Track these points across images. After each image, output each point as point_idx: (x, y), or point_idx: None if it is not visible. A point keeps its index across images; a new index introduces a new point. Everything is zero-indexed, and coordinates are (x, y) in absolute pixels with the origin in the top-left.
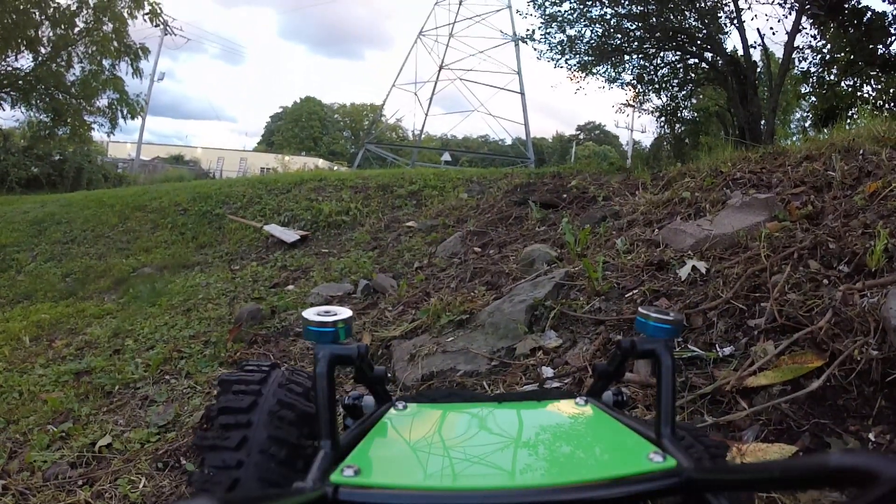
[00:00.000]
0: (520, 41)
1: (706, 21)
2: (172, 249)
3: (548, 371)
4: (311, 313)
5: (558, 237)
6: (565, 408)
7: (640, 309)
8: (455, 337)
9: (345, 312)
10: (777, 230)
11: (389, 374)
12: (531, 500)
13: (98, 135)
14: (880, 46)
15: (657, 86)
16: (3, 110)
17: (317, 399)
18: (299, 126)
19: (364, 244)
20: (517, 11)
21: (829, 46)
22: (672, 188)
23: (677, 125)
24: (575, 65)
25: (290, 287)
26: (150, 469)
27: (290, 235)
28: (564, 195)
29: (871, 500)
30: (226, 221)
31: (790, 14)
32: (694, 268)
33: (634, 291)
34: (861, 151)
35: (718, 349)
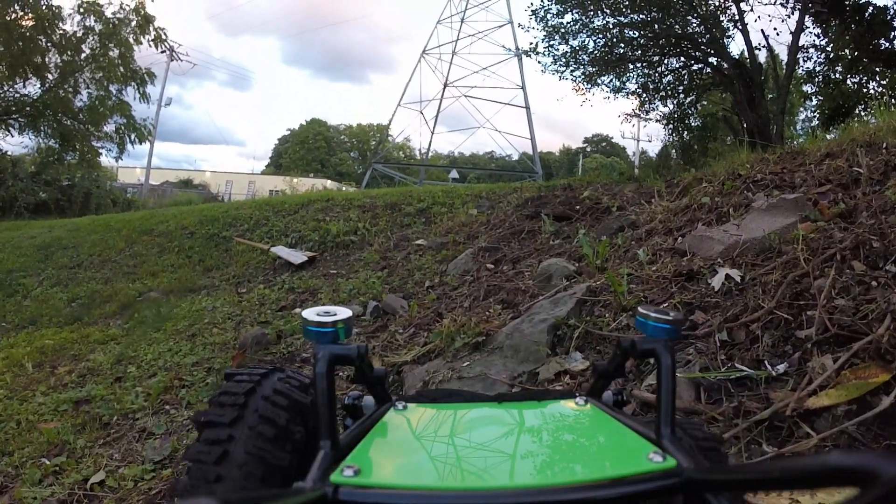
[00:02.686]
0: (523, 55)
1: (709, 25)
2: (179, 273)
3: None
4: (310, 313)
5: (574, 250)
6: (565, 408)
7: (639, 308)
8: (471, 361)
9: (344, 312)
10: (811, 231)
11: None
12: (531, 500)
13: (107, 160)
14: (884, 41)
15: (663, 93)
16: (12, 136)
17: (317, 399)
18: (306, 148)
19: (373, 264)
20: (519, 25)
21: (832, 45)
22: (690, 194)
23: (685, 132)
24: (579, 76)
25: (298, 310)
26: None
27: (297, 257)
28: (577, 207)
29: (870, 501)
30: (233, 244)
31: (793, 14)
32: (727, 276)
33: (664, 305)
34: (884, 145)
35: (769, 367)
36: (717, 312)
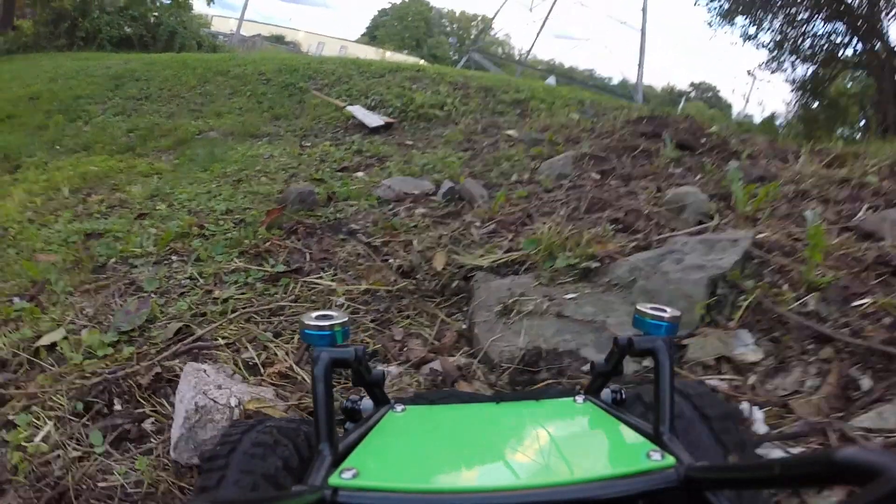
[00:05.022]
0: None
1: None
2: (245, 117)
3: (757, 414)
4: (308, 317)
5: (704, 185)
6: (564, 407)
7: (636, 306)
8: (578, 294)
9: (341, 316)
10: None
11: (465, 326)
12: (531, 499)
13: (199, 5)
14: None
15: (798, 56)
16: None
17: (315, 402)
18: (403, 24)
19: (455, 143)
20: None
21: None
22: (848, 167)
23: (815, 102)
24: (716, 8)
25: (360, 174)
26: (66, 407)
27: (373, 119)
28: (703, 140)
29: (870, 500)
30: (308, 96)
31: None
32: None
33: (865, 301)
34: None
35: None
36: None
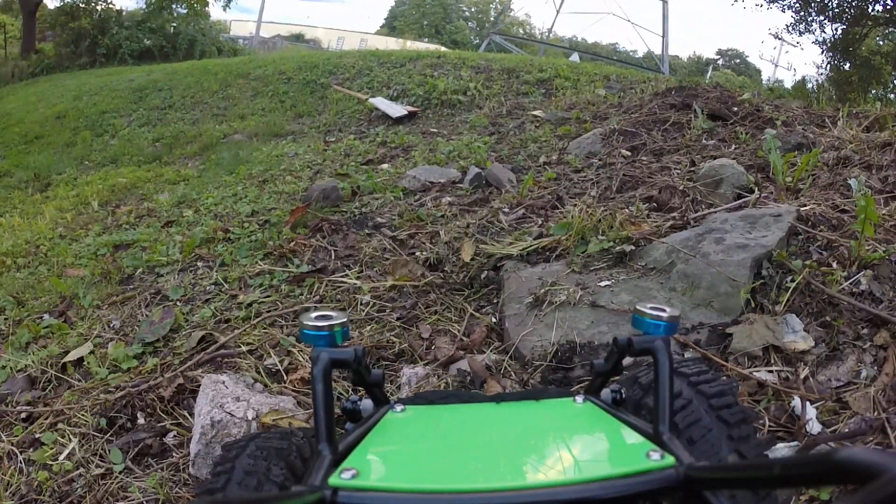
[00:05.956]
0: None
1: None
2: (268, 117)
3: (810, 412)
4: (307, 318)
5: (739, 156)
6: (564, 407)
7: (636, 306)
8: (613, 280)
9: (341, 317)
10: None
11: (495, 320)
12: (531, 499)
13: (216, 11)
14: None
15: (826, 15)
16: None
17: (315, 402)
18: (421, 12)
19: (480, 128)
20: None
21: None
22: (889, 130)
23: (847, 63)
24: None
25: (385, 166)
26: (91, 423)
27: (396, 110)
28: (735, 108)
29: (870, 500)
30: (329, 91)
31: None
32: None
33: None
34: None
35: None
36: None
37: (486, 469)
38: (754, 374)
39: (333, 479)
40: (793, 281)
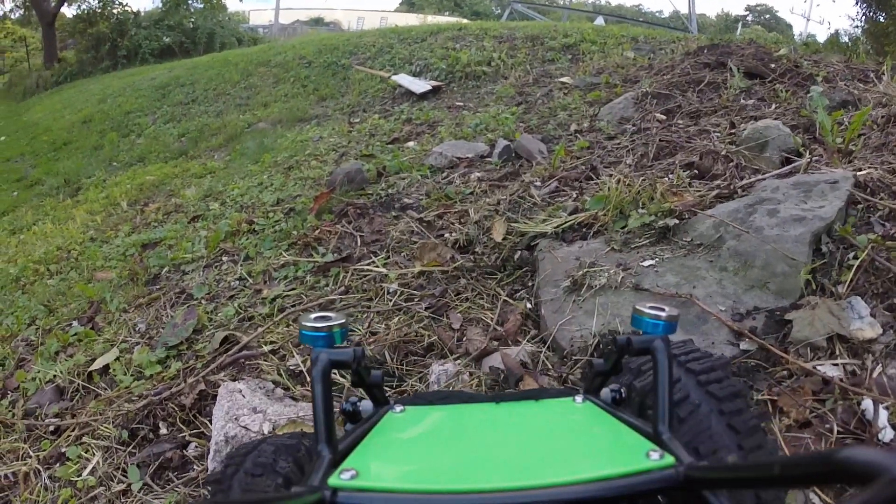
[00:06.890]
0: None
1: None
2: (291, 103)
3: (881, 415)
4: (306, 318)
5: (781, 115)
6: (563, 406)
7: (634, 305)
8: (657, 259)
9: (340, 317)
10: None
11: (530, 306)
12: (530, 499)
13: (232, 2)
14: None
15: None
16: None
17: (314, 403)
18: None
19: (507, 98)
20: None
21: None
22: None
23: (883, 14)
24: None
25: (411, 143)
26: (114, 435)
27: (419, 86)
28: (772, 65)
29: (871, 500)
30: (351, 72)
31: None
32: None
33: None
34: None
35: None
36: None
37: (485, 469)
38: (818, 368)
39: (333, 480)
40: (856, 258)
